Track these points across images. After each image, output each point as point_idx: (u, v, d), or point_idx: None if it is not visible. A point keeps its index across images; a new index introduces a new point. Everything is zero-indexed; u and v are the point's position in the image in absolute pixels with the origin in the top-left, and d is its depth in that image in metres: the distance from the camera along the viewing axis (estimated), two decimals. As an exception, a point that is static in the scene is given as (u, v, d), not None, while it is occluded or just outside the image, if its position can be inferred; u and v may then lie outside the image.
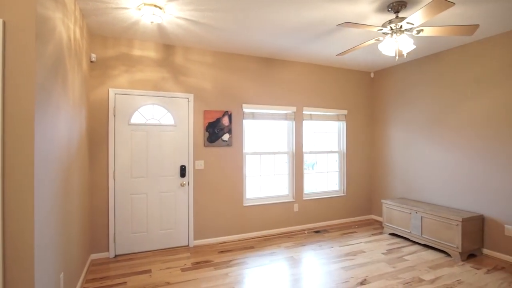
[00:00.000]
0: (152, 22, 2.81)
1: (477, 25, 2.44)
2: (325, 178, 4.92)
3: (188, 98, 3.83)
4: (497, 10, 2.76)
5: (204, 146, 3.91)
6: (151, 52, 3.64)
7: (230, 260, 3.39)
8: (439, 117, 4.06)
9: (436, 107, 4.10)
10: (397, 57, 3.21)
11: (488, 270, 3.12)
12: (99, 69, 3.41)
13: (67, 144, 2.29)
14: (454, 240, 3.41)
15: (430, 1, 2.46)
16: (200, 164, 3.88)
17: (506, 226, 3.34)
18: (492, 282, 2.87)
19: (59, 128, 2.06)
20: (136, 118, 3.59)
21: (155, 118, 3.68)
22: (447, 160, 3.95)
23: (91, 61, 3.35)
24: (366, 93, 5.16)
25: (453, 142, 3.87)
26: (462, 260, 3.37)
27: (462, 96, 3.77)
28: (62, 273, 2.13)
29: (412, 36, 3.38)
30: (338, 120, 4.90)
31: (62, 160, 2.15)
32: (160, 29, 3.21)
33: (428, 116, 4.21)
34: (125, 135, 3.53)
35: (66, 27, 2.24)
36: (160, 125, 3.70)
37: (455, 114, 3.86)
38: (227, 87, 4.07)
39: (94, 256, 3.42)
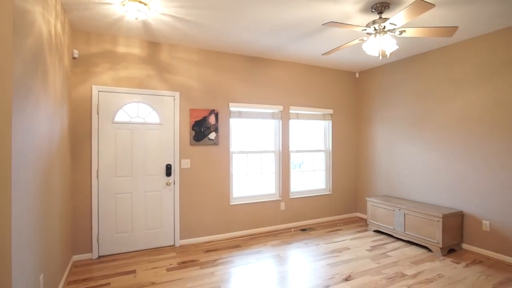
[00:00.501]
0: (136, 19, 2.77)
1: (456, 27, 2.52)
2: (312, 176, 4.97)
3: (174, 97, 3.79)
4: (476, 13, 2.86)
5: (190, 144, 3.87)
6: (136, 49, 3.58)
7: (217, 259, 3.37)
8: (421, 117, 4.17)
9: (418, 107, 4.21)
10: (380, 57, 3.28)
11: (467, 264, 3.23)
12: (82, 65, 3.33)
13: (48, 142, 2.22)
14: (435, 235, 3.51)
15: (411, 2, 2.53)
16: (187, 163, 3.85)
17: (483, 221, 3.46)
18: (471, 275, 2.97)
19: (39, 126, 1.99)
20: (120, 116, 3.52)
21: (140, 117, 3.62)
22: (428, 158, 4.06)
23: (74, 58, 3.26)
24: (351, 92, 5.25)
25: (434, 142, 3.99)
26: (443, 255, 3.47)
27: (442, 96, 3.89)
28: (42, 274, 2.07)
29: (395, 37, 3.46)
30: (324, 119, 4.96)
31: (43, 159, 2.09)
32: (145, 25, 3.17)
33: (411, 115, 4.32)
34: (109, 134, 3.46)
35: (47, 21, 2.17)
36: (145, 123, 3.64)
37: (435, 114, 3.97)
38: (214, 85, 4.05)
39: (76, 257, 3.33)
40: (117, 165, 3.50)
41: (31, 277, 1.83)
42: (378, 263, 3.26)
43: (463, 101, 3.65)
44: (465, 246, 3.66)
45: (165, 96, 3.74)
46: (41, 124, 2.05)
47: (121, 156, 3.52)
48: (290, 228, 4.55)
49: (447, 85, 3.84)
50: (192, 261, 3.33)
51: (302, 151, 4.83)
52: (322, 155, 5.06)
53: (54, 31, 2.41)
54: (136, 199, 3.60)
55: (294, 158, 4.80)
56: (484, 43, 3.44)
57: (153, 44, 3.67)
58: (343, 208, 5.15)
